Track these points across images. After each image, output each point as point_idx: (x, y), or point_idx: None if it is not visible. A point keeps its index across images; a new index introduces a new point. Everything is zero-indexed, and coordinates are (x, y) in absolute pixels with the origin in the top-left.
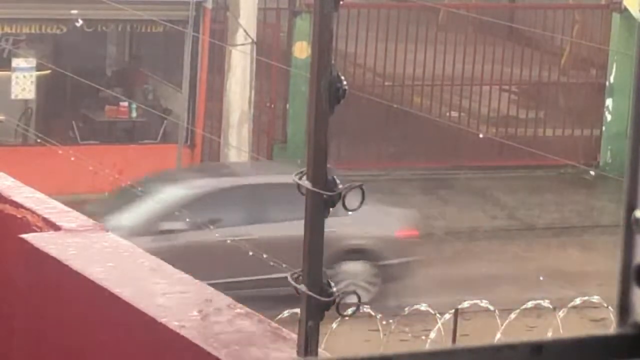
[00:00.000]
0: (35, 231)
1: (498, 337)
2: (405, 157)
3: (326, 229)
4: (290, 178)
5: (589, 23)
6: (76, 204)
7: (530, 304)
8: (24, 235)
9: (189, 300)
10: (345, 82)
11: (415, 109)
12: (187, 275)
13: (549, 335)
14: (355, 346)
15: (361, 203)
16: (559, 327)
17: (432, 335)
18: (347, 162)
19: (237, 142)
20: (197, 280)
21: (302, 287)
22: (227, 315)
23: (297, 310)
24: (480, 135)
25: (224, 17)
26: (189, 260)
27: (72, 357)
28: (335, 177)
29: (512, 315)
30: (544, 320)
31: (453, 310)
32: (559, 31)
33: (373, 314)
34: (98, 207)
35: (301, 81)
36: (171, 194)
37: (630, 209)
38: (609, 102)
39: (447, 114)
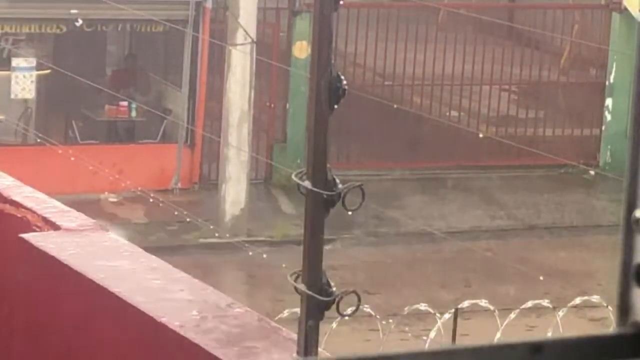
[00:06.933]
0: (35, 231)
1: (498, 337)
2: (405, 157)
3: None
4: None
5: (589, 23)
6: (76, 204)
7: (530, 304)
8: (24, 235)
9: (189, 300)
10: (345, 82)
11: (415, 109)
12: (186, 275)
13: (549, 335)
14: (355, 346)
15: (361, 203)
16: (559, 327)
17: (432, 335)
18: (347, 161)
19: (237, 142)
20: (196, 280)
21: (302, 287)
22: (227, 315)
23: (297, 309)
24: (480, 135)
25: (224, 17)
26: None
27: (72, 356)
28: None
29: (512, 315)
30: (544, 320)
31: (453, 310)
32: (559, 31)
33: (373, 314)
34: None
35: (301, 81)
36: None
37: (630, 209)
38: (608, 102)
39: (447, 113)
